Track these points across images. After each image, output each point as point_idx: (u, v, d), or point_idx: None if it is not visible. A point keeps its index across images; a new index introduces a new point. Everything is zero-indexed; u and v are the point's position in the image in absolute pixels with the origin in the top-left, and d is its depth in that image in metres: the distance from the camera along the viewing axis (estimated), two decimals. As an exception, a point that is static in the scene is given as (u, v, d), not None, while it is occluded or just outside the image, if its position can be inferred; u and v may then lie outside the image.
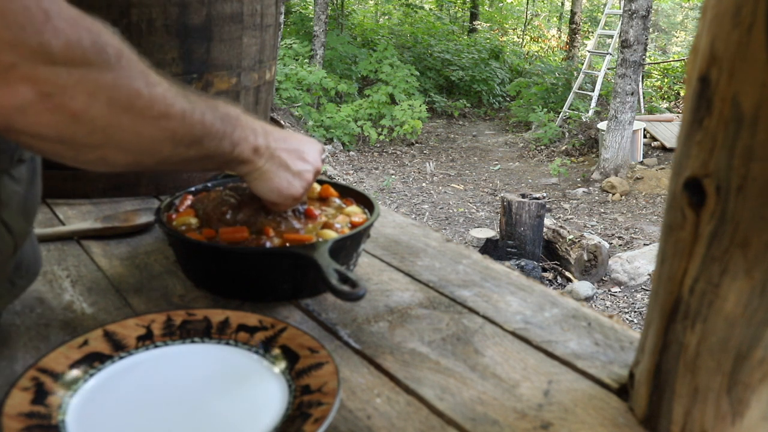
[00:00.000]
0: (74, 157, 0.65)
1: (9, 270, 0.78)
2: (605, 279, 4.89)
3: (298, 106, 8.25)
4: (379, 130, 8.76)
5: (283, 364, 0.74)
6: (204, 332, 0.79)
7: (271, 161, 0.84)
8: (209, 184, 1.11)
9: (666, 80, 12.43)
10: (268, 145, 0.83)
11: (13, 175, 0.77)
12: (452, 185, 7.43)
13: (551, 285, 4.80)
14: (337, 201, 1.09)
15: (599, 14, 13.03)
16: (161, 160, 0.69)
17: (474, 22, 15.43)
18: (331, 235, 0.94)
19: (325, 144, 8.28)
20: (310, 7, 11.74)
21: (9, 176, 0.76)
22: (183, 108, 0.67)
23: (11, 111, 0.56)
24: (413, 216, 6.25)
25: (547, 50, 15.73)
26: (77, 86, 0.57)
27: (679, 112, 9.81)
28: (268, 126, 0.85)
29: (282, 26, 9.21)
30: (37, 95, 0.55)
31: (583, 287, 4.57)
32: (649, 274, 4.75)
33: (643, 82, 9.86)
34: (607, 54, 9.83)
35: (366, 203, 1.08)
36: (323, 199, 1.09)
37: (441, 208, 6.60)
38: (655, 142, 8.19)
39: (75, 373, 0.71)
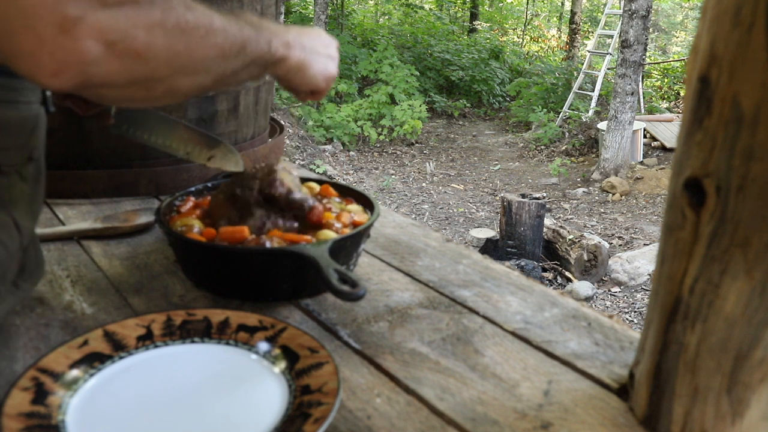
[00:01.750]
0: (145, 96, 0.68)
1: (14, 270, 0.78)
2: (605, 279, 4.89)
3: (298, 106, 8.24)
4: (379, 130, 8.77)
5: (283, 364, 0.74)
6: (204, 332, 0.79)
7: (303, 50, 0.86)
8: (209, 184, 1.11)
9: (666, 80, 12.43)
10: (294, 38, 0.85)
11: (22, 173, 0.78)
12: (452, 185, 7.43)
13: (551, 285, 4.80)
14: (337, 201, 1.09)
15: (599, 14, 13.03)
16: (217, 77, 0.72)
17: (474, 22, 15.43)
18: (331, 235, 0.94)
19: (325, 144, 8.28)
20: (310, 7, 11.74)
21: (19, 175, 0.78)
22: (221, 22, 0.70)
23: (87, 67, 0.58)
24: (413, 216, 6.25)
25: (547, 50, 15.74)
26: (135, 27, 0.60)
27: (679, 112, 9.81)
28: (281, 25, 0.88)
29: (282, 26, 9.19)
30: (104, 45, 0.58)
31: (583, 287, 4.58)
32: (649, 274, 4.75)
33: (643, 82, 9.86)
34: (607, 54, 9.84)
35: (366, 203, 1.08)
36: (323, 200, 1.09)
37: (441, 208, 6.60)
38: (655, 142, 8.19)
39: (75, 373, 0.71)
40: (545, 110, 9.66)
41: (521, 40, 16.15)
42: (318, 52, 0.89)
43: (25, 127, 0.78)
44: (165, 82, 0.66)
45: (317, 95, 0.94)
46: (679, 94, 11.82)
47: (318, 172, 6.63)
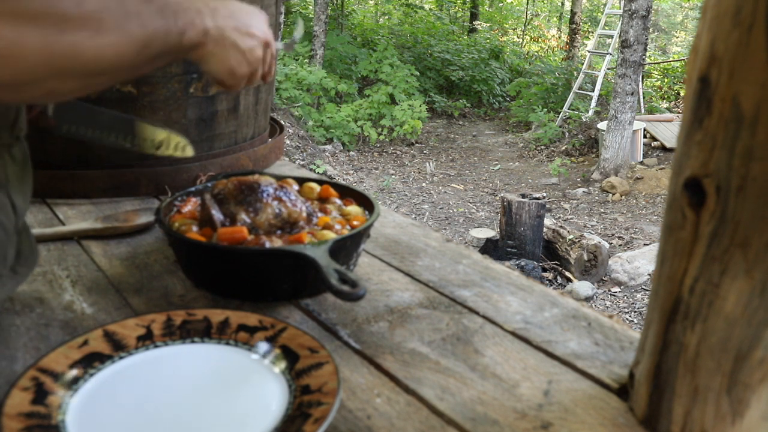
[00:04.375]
0: (18, 98, 0.63)
1: (12, 254, 0.79)
2: (605, 279, 4.89)
3: (298, 106, 8.24)
4: (379, 130, 8.76)
5: (283, 364, 0.74)
6: (204, 332, 0.79)
7: (221, 42, 0.82)
8: (209, 184, 1.11)
9: (666, 80, 12.43)
10: (216, 25, 0.80)
11: (12, 154, 0.79)
12: (452, 185, 7.43)
13: (551, 285, 4.80)
14: (338, 201, 1.09)
15: (599, 14, 13.03)
16: (112, 76, 0.66)
17: (474, 22, 15.43)
18: (330, 235, 0.94)
19: (325, 144, 8.28)
20: (310, 7, 11.74)
21: (10, 155, 0.78)
22: (116, 19, 0.63)
23: None
24: (413, 216, 6.25)
25: (547, 50, 15.74)
26: None
27: (679, 112, 9.81)
28: (213, 1, 0.82)
29: (282, 26, 9.20)
30: None
31: (583, 287, 4.57)
32: (649, 274, 4.75)
33: (643, 82, 9.86)
34: (607, 54, 9.84)
35: (366, 203, 1.08)
36: (323, 200, 1.09)
37: (441, 208, 6.60)
38: (655, 142, 8.19)
39: (75, 373, 0.71)
40: (545, 110, 9.66)
41: (521, 40, 16.15)
42: (236, 46, 0.85)
43: (10, 107, 0.78)
44: (42, 85, 0.59)
45: (229, 88, 0.91)
46: (679, 94, 11.82)
47: (318, 172, 6.63)
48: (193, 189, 1.09)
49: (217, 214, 0.94)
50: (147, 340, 0.78)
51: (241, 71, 0.88)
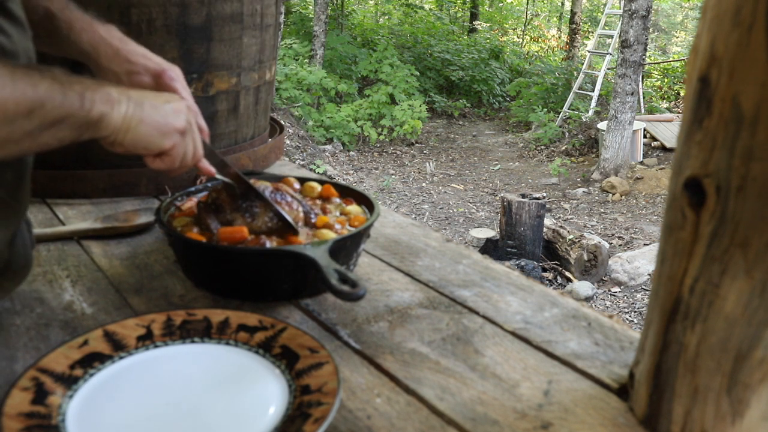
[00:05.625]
0: None
1: None
2: (605, 279, 4.89)
3: (298, 106, 8.24)
4: (379, 130, 8.76)
5: (283, 364, 0.74)
6: (204, 332, 0.79)
7: (132, 103, 0.74)
8: (209, 185, 1.11)
9: (666, 80, 12.42)
10: (120, 90, 0.74)
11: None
12: (452, 185, 7.43)
13: (551, 285, 4.80)
14: (338, 201, 1.09)
15: (599, 14, 13.03)
16: (6, 144, 0.62)
17: (474, 22, 15.42)
18: (330, 235, 0.94)
19: (325, 144, 8.28)
20: (310, 7, 11.73)
21: None
22: (1, 76, 0.60)
23: None
24: (413, 216, 6.25)
25: (547, 50, 15.73)
26: None
27: (679, 112, 9.81)
28: (110, 83, 0.76)
29: (282, 26, 9.21)
30: None
31: (583, 287, 4.57)
32: (649, 274, 4.75)
33: (643, 82, 9.86)
34: (607, 54, 9.83)
35: (366, 203, 1.08)
36: (324, 199, 1.09)
37: (441, 208, 6.60)
38: (655, 142, 8.19)
39: (75, 373, 0.71)
40: (545, 110, 9.65)
41: (521, 40, 16.14)
42: (154, 105, 0.77)
43: None
44: None
45: (166, 159, 0.81)
46: (679, 94, 11.81)
47: (318, 172, 6.63)
48: (193, 189, 1.09)
49: (213, 224, 0.95)
50: (147, 340, 0.78)
51: (171, 124, 0.79)
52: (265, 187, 0.98)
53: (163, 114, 0.78)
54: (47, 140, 0.66)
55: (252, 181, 1.01)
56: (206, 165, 0.91)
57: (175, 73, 0.90)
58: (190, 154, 0.84)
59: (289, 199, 0.99)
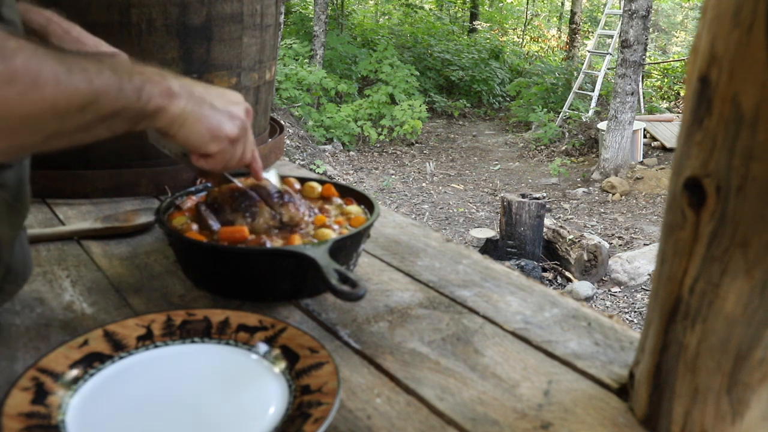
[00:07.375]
0: None
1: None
2: (605, 279, 4.89)
3: (298, 106, 8.24)
4: (379, 130, 8.76)
5: (283, 364, 0.74)
6: (204, 332, 0.79)
7: (191, 100, 0.73)
8: (209, 185, 1.11)
9: (666, 80, 12.43)
10: (182, 84, 0.72)
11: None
12: (452, 185, 7.43)
13: (551, 285, 4.80)
14: (338, 201, 1.09)
15: (599, 14, 13.03)
16: (49, 135, 0.60)
17: (474, 22, 15.42)
18: (330, 235, 0.94)
19: (325, 144, 8.28)
20: (310, 7, 11.73)
21: None
22: (55, 72, 0.58)
23: None
24: (413, 216, 6.25)
25: (547, 50, 15.73)
26: None
27: (679, 112, 9.81)
28: (169, 73, 0.73)
29: (282, 26, 9.21)
30: None
31: (583, 287, 4.57)
32: (649, 274, 4.75)
33: (643, 82, 9.86)
34: (607, 54, 9.83)
35: (366, 203, 1.08)
36: (325, 199, 1.09)
37: (441, 208, 6.60)
38: (655, 142, 8.19)
39: (75, 373, 0.71)
40: (545, 110, 9.65)
41: (521, 40, 16.14)
42: (214, 106, 0.76)
43: None
44: None
45: (210, 161, 0.80)
46: (679, 94, 11.81)
47: (318, 172, 6.63)
48: (193, 189, 1.09)
49: (214, 224, 0.95)
50: (147, 340, 0.78)
51: (225, 131, 0.77)
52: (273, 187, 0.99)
53: (219, 119, 0.77)
54: (101, 132, 0.65)
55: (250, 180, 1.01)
56: (257, 167, 0.91)
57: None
58: (236, 160, 0.84)
59: (297, 201, 0.99)
